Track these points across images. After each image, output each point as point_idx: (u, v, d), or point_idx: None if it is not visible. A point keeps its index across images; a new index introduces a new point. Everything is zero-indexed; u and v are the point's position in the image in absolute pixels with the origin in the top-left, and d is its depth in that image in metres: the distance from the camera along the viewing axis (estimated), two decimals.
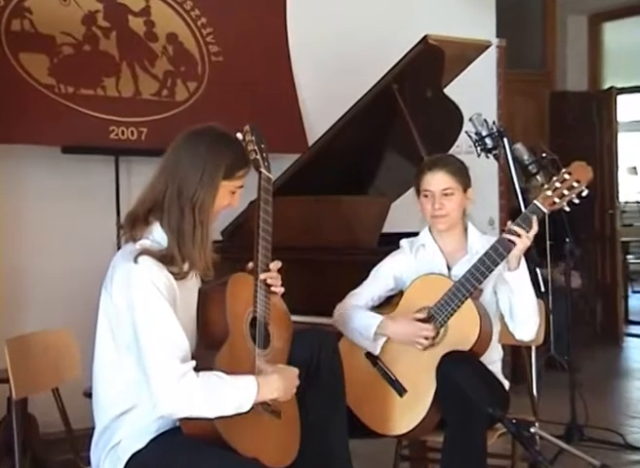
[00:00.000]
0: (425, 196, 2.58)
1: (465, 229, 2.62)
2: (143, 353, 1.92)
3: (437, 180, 2.55)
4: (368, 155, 3.57)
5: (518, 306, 2.47)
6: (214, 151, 2.02)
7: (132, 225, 2.02)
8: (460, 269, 2.52)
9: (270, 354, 2.13)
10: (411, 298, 2.55)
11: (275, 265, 2.23)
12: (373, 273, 2.68)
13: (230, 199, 2.08)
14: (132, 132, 3.72)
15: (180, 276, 1.99)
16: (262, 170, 2.27)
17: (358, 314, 2.57)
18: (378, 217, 3.12)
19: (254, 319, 2.13)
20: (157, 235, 2.02)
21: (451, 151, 3.52)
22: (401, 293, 2.60)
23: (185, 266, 2.01)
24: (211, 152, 2.02)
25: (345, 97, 3.38)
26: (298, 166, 3.43)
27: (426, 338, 2.45)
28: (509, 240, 2.40)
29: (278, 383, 2.03)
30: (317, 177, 3.32)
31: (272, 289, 2.21)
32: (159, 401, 1.91)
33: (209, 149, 2.02)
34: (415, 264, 2.62)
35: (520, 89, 6.15)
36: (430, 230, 2.64)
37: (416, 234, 2.70)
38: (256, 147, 2.25)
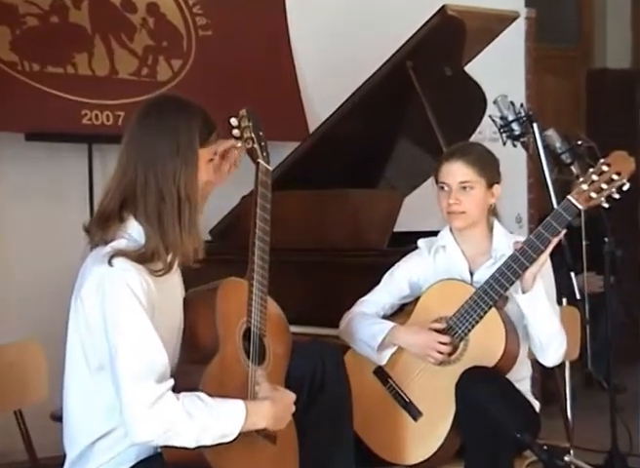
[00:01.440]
0: (442, 189, 2.59)
1: (491, 229, 2.62)
2: (114, 370, 1.92)
3: (454, 172, 2.56)
4: (377, 143, 3.57)
5: (533, 333, 2.48)
6: (182, 119, 2.02)
7: (103, 226, 2.02)
8: (483, 274, 2.53)
9: (266, 370, 2.14)
10: (426, 307, 2.57)
11: None
12: (385, 278, 2.70)
13: (209, 172, 2.07)
14: (107, 116, 3.72)
15: (164, 271, 1.99)
16: (260, 161, 2.27)
17: (366, 322, 2.59)
18: (388, 214, 3.12)
19: (247, 330, 2.14)
20: (133, 231, 2.02)
21: (473, 138, 3.53)
22: (416, 301, 2.62)
23: (169, 257, 2.01)
24: (180, 121, 2.02)
25: (352, 78, 3.38)
26: (297, 155, 3.44)
27: (441, 352, 2.46)
28: (542, 240, 2.40)
29: (269, 411, 2.03)
30: (319, 169, 3.33)
31: None
32: (131, 427, 1.90)
33: (176, 119, 2.02)
34: (433, 268, 2.64)
35: (552, 66, 6.15)
36: (451, 230, 2.65)
37: (434, 234, 2.71)
38: (253, 135, 2.25)
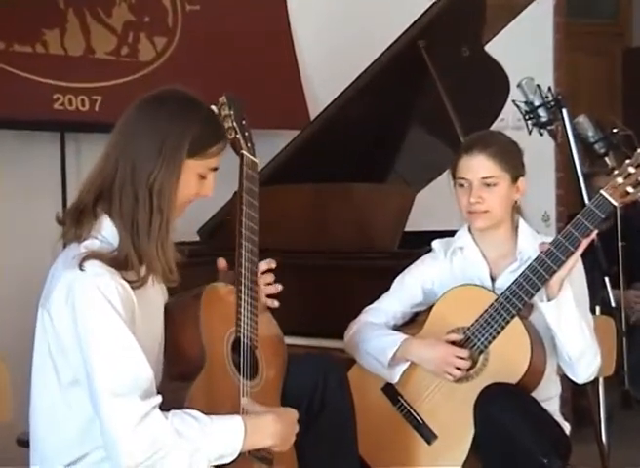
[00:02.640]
0: (461, 186, 2.59)
1: (516, 229, 2.63)
2: (92, 387, 1.92)
3: (475, 166, 2.56)
4: (386, 132, 3.57)
5: (562, 346, 2.48)
6: (177, 119, 2.02)
7: (77, 221, 2.02)
8: (506, 280, 2.53)
9: (258, 387, 2.14)
10: (442, 315, 2.57)
11: (268, 264, 2.26)
12: (396, 283, 2.70)
13: (199, 186, 2.08)
14: (82, 101, 3.72)
15: (137, 283, 1.99)
16: (245, 152, 2.28)
17: (374, 334, 2.59)
18: (399, 212, 3.12)
19: (237, 341, 2.14)
20: (107, 231, 2.02)
21: (494, 126, 3.52)
22: (430, 309, 2.62)
23: (143, 270, 2.01)
24: (173, 120, 2.02)
25: (357, 60, 3.38)
26: (295, 145, 3.43)
27: (459, 368, 2.46)
28: (571, 240, 2.40)
29: (274, 427, 2.03)
30: (320, 160, 3.32)
31: (266, 302, 2.24)
32: (113, 450, 1.90)
33: (171, 117, 2.02)
34: (449, 272, 2.64)
35: (585, 45, 6.15)
36: (470, 229, 2.65)
37: (451, 234, 2.71)
38: (235, 124, 2.27)
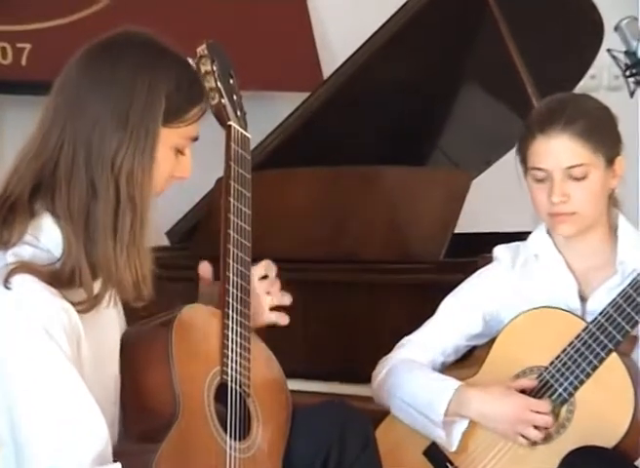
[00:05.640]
0: (537, 179, 2.57)
1: (615, 230, 2.62)
2: (22, 450, 1.92)
3: (557, 152, 2.53)
4: (427, 95, 3.58)
5: None
6: (144, 73, 2.02)
7: (4, 221, 2.01)
8: (601, 300, 2.52)
9: (251, 451, 2.15)
10: (508, 351, 2.56)
11: (266, 268, 2.32)
12: (444, 306, 2.70)
13: (173, 163, 2.08)
14: (3, 50, 3.74)
15: (87, 305, 1.98)
16: (233, 123, 2.30)
17: (416, 377, 2.58)
18: (447, 206, 3.12)
19: (222, 387, 2.14)
20: (48, 235, 2.01)
21: (581, 87, 3.51)
22: (492, 342, 2.61)
23: (97, 286, 2.00)
24: (139, 76, 2.01)
25: (386, 8, 3.40)
26: (304, 114, 3.46)
27: (537, 427, 2.45)
28: None
29: None
30: (338, 136, 3.33)
31: (269, 318, 2.29)
32: None
33: (135, 71, 2.02)
34: (520, 290, 2.63)
35: None
36: (549, 231, 2.65)
37: (521, 237, 2.71)
38: (219, 84, 2.28)
